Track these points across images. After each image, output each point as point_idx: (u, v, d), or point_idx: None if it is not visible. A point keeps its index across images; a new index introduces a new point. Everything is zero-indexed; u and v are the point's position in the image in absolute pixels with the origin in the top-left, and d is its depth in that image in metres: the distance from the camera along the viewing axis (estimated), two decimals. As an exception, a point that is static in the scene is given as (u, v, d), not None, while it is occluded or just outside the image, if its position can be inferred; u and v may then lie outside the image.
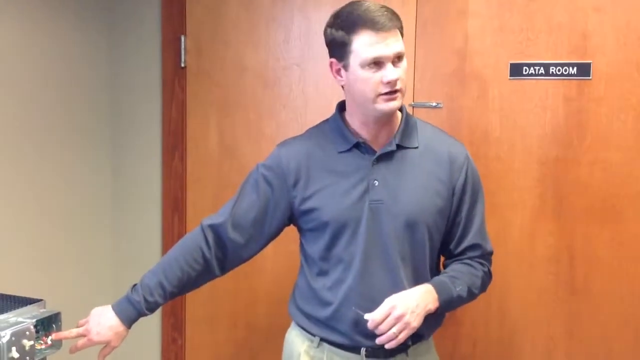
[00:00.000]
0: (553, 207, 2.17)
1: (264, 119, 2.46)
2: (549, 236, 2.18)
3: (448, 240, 1.72)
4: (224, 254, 1.76)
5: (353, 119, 1.69)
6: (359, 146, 1.66)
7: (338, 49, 1.61)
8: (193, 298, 2.61)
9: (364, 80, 1.57)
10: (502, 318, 2.26)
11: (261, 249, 1.80)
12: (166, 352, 2.66)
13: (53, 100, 2.36)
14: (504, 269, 2.19)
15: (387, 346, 1.56)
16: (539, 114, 2.16)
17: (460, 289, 1.63)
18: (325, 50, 2.35)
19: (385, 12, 1.56)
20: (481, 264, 1.72)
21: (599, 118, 2.11)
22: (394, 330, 1.53)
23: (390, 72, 1.54)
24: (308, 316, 1.72)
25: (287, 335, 1.82)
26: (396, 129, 1.67)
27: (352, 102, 1.67)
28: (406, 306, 1.54)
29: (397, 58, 1.57)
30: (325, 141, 1.71)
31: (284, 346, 1.82)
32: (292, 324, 1.80)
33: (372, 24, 1.54)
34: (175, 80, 2.54)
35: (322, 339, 1.70)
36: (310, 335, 1.72)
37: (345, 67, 1.61)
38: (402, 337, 1.55)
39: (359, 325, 1.63)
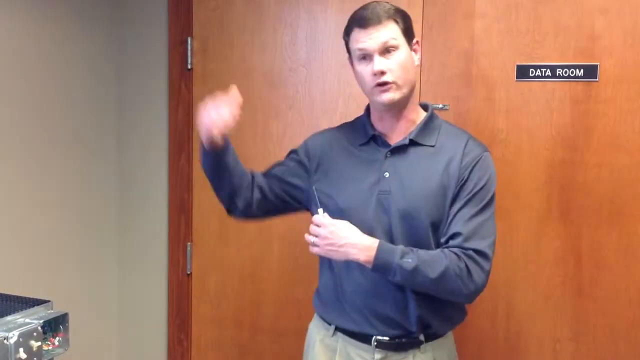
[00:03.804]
0: (560, 209, 2.17)
1: (270, 120, 2.47)
2: (555, 238, 2.18)
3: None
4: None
5: (373, 112, 1.77)
6: (376, 139, 1.74)
7: (347, 48, 1.73)
8: (199, 299, 2.62)
9: (360, 74, 1.68)
10: (509, 320, 2.25)
11: (269, 209, 1.85)
12: (172, 353, 2.66)
13: (60, 102, 2.37)
14: (510, 271, 2.19)
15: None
16: (546, 116, 2.16)
17: (405, 262, 1.57)
18: (331, 51, 2.39)
19: (375, 8, 1.65)
20: (457, 255, 1.60)
21: (606, 120, 2.10)
22: (311, 240, 1.64)
23: (375, 63, 1.63)
24: (325, 304, 1.79)
25: (309, 325, 1.89)
26: (414, 125, 1.72)
27: (366, 95, 1.75)
28: (332, 237, 1.61)
29: (387, 51, 1.63)
30: (351, 134, 1.80)
31: (306, 335, 1.89)
32: (314, 315, 1.87)
33: (358, 21, 1.66)
34: (181, 82, 2.54)
35: (337, 328, 1.76)
36: (326, 325, 1.79)
37: (352, 64, 1.72)
38: (310, 249, 1.65)
39: (370, 309, 1.69)
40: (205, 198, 2.58)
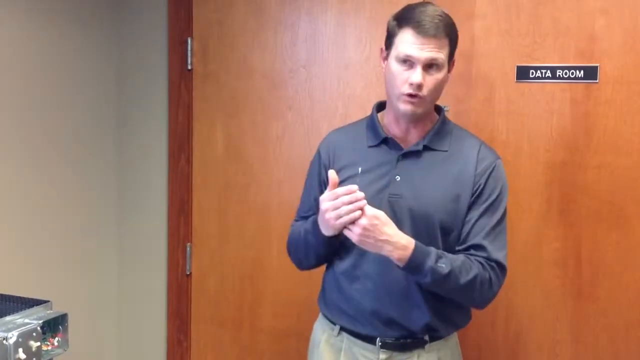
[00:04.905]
0: (560, 210, 2.17)
1: (270, 120, 2.47)
2: (555, 240, 2.18)
3: (458, 239, 1.70)
4: None
5: (389, 112, 1.74)
6: (387, 142, 1.72)
7: (388, 38, 1.68)
8: (198, 300, 2.62)
9: (393, 74, 1.63)
10: (508, 321, 2.25)
11: None
12: (171, 354, 2.66)
13: (60, 103, 2.37)
14: (510, 272, 2.16)
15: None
16: (546, 117, 2.16)
17: (440, 266, 1.58)
18: (331, 53, 2.39)
19: (437, 20, 1.59)
20: (482, 264, 1.65)
21: (606, 121, 2.10)
22: (343, 219, 1.53)
23: (415, 75, 1.59)
24: (331, 304, 1.78)
25: (314, 324, 1.89)
26: (429, 129, 1.71)
27: (387, 95, 1.72)
28: (374, 230, 1.54)
29: (431, 66, 1.60)
30: (360, 135, 1.77)
31: (311, 335, 1.89)
32: (319, 314, 1.87)
33: (417, 25, 1.59)
34: (181, 82, 2.54)
35: (342, 328, 1.76)
36: (331, 324, 1.79)
37: (387, 57, 1.67)
38: (340, 228, 1.56)
39: (376, 315, 1.68)
40: (204, 198, 2.58)
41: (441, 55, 1.60)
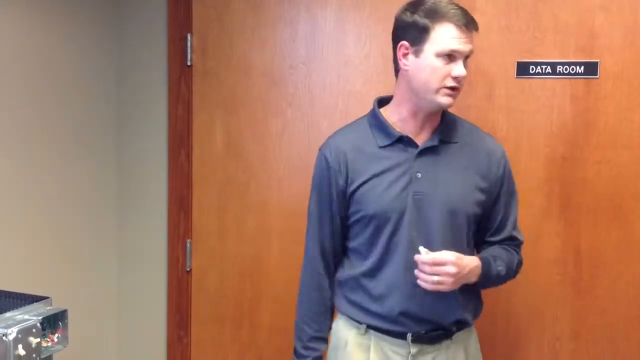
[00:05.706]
0: (560, 206, 2.17)
1: (269, 117, 2.46)
2: (555, 236, 2.18)
3: (485, 230, 1.78)
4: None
5: (401, 110, 1.71)
6: (402, 140, 1.69)
7: (416, 34, 1.63)
8: (199, 296, 2.62)
9: (433, 69, 1.61)
10: (508, 318, 2.25)
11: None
12: (172, 350, 2.66)
13: (59, 98, 2.36)
14: (510, 268, 2.19)
15: (423, 285, 1.62)
16: (546, 113, 2.16)
17: (500, 269, 1.71)
18: (331, 49, 2.38)
19: (469, 15, 1.63)
20: (516, 251, 1.80)
21: (606, 117, 2.10)
22: (435, 279, 1.60)
23: (460, 68, 1.61)
24: (354, 305, 1.76)
25: (334, 325, 1.84)
26: (437, 124, 1.72)
27: (407, 91, 1.68)
28: (460, 271, 1.61)
29: (466, 58, 1.64)
30: (365, 135, 1.73)
31: (331, 335, 1.85)
32: (338, 315, 1.83)
33: (458, 20, 1.60)
34: (181, 78, 2.54)
35: (369, 326, 1.74)
36: (356, 324, 1.76)
37: (417, 53, 1.63)
38: (432, 288, 1.61)
39: (406, 315, 1.69)
40: (204, 195, 2.58)
41: (472, 46, 1.65)
